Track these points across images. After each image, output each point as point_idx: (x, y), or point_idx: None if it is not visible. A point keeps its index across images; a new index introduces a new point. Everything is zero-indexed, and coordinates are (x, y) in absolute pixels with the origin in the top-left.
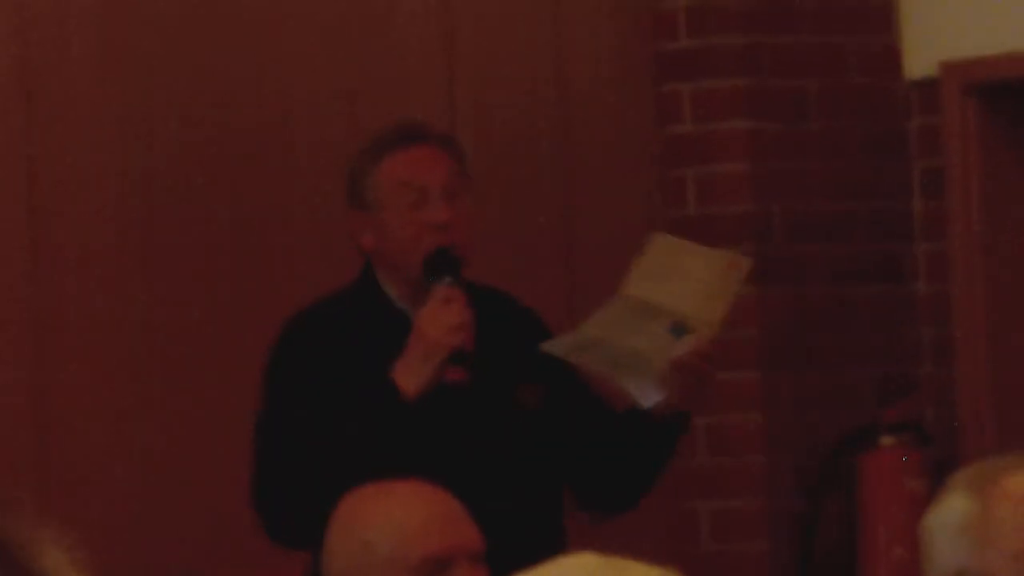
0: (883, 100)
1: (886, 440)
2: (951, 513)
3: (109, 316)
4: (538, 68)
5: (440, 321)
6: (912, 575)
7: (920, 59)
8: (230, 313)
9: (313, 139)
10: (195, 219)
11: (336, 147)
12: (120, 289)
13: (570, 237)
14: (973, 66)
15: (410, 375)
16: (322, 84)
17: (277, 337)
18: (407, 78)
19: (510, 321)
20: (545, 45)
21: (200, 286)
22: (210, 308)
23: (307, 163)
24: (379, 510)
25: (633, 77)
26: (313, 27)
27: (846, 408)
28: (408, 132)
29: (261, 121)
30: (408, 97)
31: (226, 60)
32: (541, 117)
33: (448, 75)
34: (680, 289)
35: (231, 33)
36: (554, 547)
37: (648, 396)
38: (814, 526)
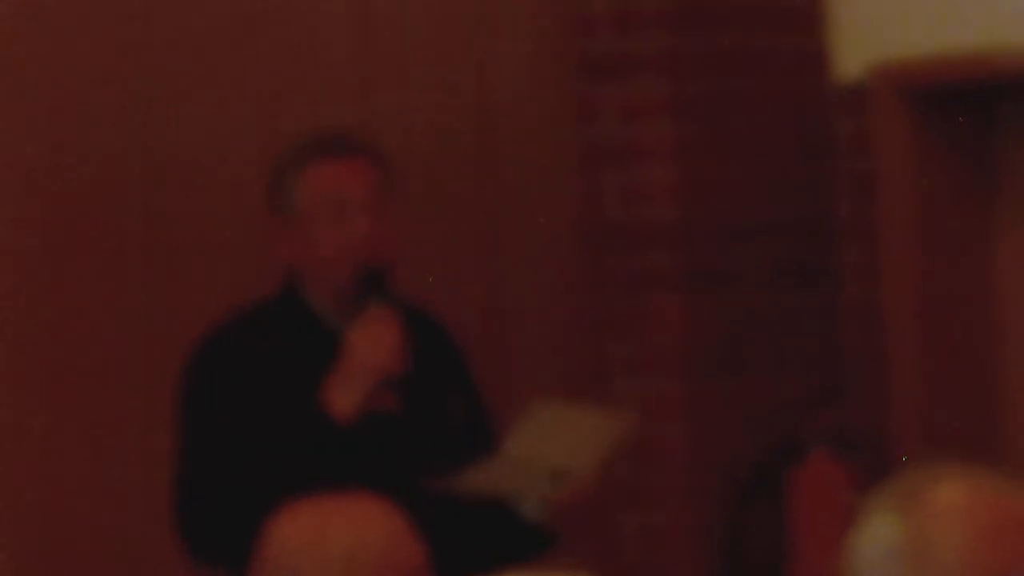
0: (811, 103)
1: (814, 450)
2: (879, 539)
3: (16, 322)
4: (458, 71)
5: (372, 342)
6: None
7: (849, 61)
8: (141, 320)
9: (229, 143)
10: (106, 225)
11: (252, 151)
12: (28, 295)
13: (493, 242)
14: (903, 68)
15: (342, 396)
16: (238, 87)
17: (195, 352)
18: (324, 81)
19: (433, 339)
20: (466, 47)
21: (111, 293)
22: (121, 314)
23: (222, 168)
24: (308, 532)
25: (556, 79)
26: (229, 28)
27: (773, 417)
28: (333, 143)
29: (175, 124)
30: (325, 100)
31: (140, 60)
32: (462, 120)
33: (366, 77)
34: (557, 447)
35: (145, 31)
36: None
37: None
38: (741, 539)
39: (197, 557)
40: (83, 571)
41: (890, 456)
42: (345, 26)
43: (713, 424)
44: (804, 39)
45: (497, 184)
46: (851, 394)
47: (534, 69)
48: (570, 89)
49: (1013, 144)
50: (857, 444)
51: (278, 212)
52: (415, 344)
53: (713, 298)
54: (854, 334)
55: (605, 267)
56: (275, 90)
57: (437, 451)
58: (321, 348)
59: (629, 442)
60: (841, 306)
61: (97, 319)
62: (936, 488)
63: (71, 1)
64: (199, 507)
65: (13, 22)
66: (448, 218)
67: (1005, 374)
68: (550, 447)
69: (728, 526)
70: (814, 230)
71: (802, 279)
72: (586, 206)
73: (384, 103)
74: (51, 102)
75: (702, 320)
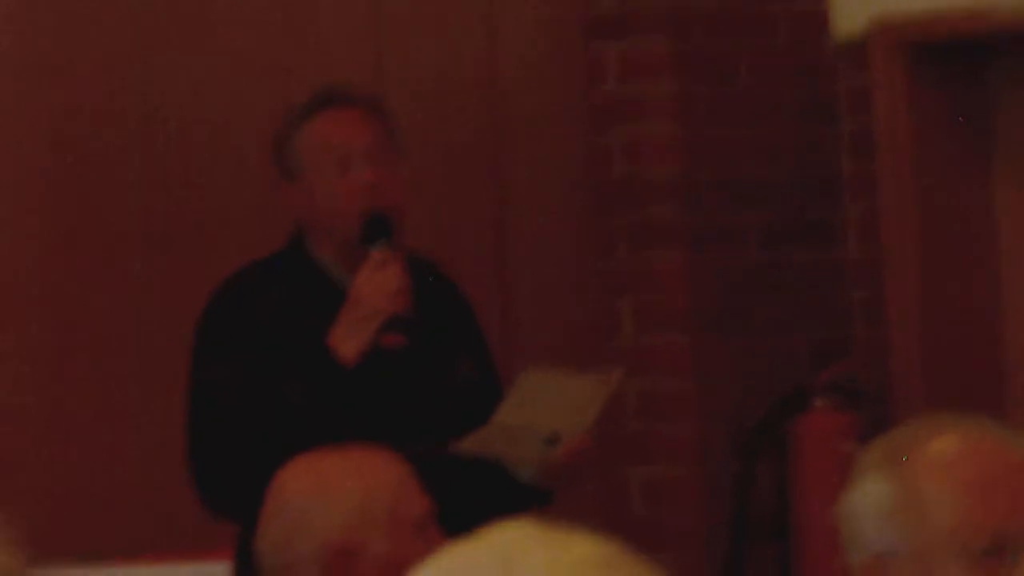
0: (812, 60)
1: (819, 403)
2: (872, 496)
3: (33, 299)
4: (468, 32)
5: (377, 285)
6: None
7: (848, 18)
8: (157, 292)
9: (242, 112)
10: (123, 198)
11: (265, 120)
12: (45, 269)
13: (501, 199)
14: (902, 25)
15: (347, 339)
16: (249, 56)
17: (207, 303)
18: (335, 48)
19: (442, 291)
20: (475, 9)
21: (128, 263)
22: (138, 285)
23: (236, 138)
24: (317, 481)
25: (563, 39)
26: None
27: (778, 372)
28: (331, 95)
29: (189, 94)
30: (335, 66)
31: (153, 36)
32: (471, 80)
33: (376, 40)
34: (548, 412)
35: (156, 10)
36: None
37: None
38: (747, 491)
39: (212, 508)
40: (103, 526)
41: (893, 408)
42: None
43: (719, 378)
44: None
45: (505, 142)
46: (854, 347)
47: (541, 29)
48: (577, 49)
49: (1009, 98)
50: (860, 396)
51: (283, 167)
52: (424, 292)
53: (717, 254)
54: (857, 288)
55: (611, 224)
56: (286, 59)
57: (440, 397)
58: (328, 301)
59: (616, 402)
60: (843, 261)
61: (114, 293)
62: (926, 443)
63: None
64: (212, 457)
65: (14, 12)
66: (457, 176)
67: (1004, 324)
68: (542, 412)
69: (734, 477)
70: (816, 186)
71: (805, 234)
72: (592, 163)
73: (395, 65)
74: (73, 78)
75: (707, 275)
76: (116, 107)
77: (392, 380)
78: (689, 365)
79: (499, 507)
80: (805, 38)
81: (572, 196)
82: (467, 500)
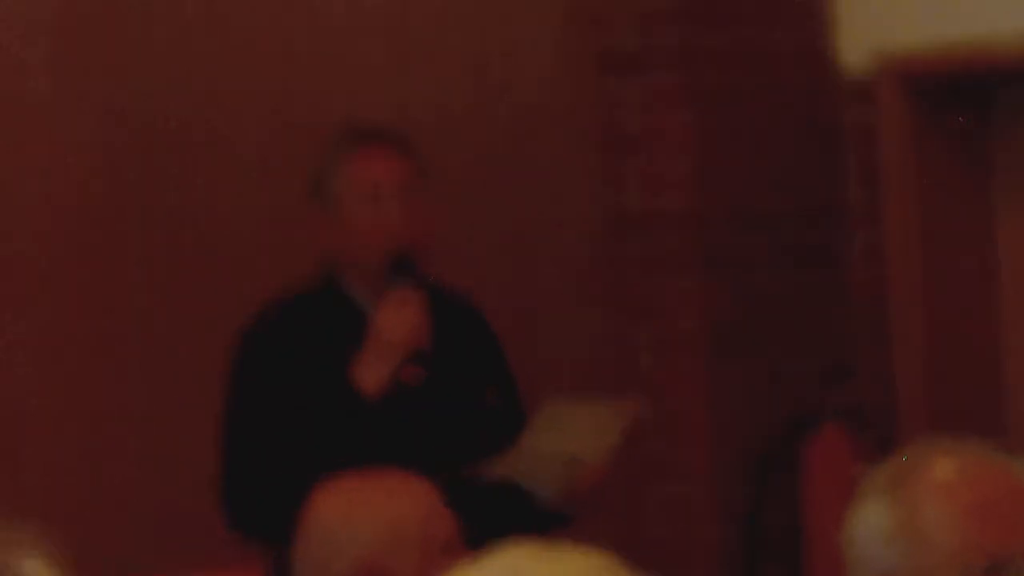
0: (819, 95)
1: (828, 426)
2: (874, 521)
3: (54, 311)
4: (487, 65)
5: (397, 322)
6: None
7: (854, 53)
8: (179, 307)
9: (261, 131)
10: (140, 215)
11: (287, 140)
12: (66, 284)
13: (518, 230)
14: (905, 60)
15: (368, 375)
16: (268, 78)
17: (243, 335)
18: (358, 74)
19: (467, 323)
20: (494, 42)
21: (148, 279)
22: (158, 301)
23: (253, 160)
24: (349, 504)
25: (579, 73)
26: (257, 17)
27: (789, 395)
28: (368, 134)
29: (209, 116)
30: (359, 93)
31: (166, 57)
32: (489, 111)
33: (396, 70)
34: (569, 439)
35: (170, 29)
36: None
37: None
38: (758, 512)
39: (241, 532)
40: (130, 546)
41: (897, 431)
42: (379, 21)
43: (731, 401)
44: (811, 34)
45: (523, 172)
46: (861, 372)
47: (559, 63)
48: (592, 82)
49: (1011, 132)
50: (865, 419)
51: (319, 201)
52: (448, 324)
53: (728, 281)
54: (862, 314)
55: (626, 252)
56: (311, 82)
57: (462, 428)
58: (357, 331)
59: (634, 429)
60: (850, 288)
61: (137, 307)
62: (926, 468)
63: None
64: (243, 483)
65: (57, 21)
66: (475, 206)
67: (1006, 350)
68: (564, 439)
69: (746, 499)
70: (823, 216)
71: (812, 262)
72: (607, 194)
73: (413, 94)
74: (89, 102)
75: (718, 302)
76: (144, 113)
77: (412, 414)
78: (702, 389)
79: (520, 528)
80: (812, 73)
81: (587, 226)
82: (490, 522)
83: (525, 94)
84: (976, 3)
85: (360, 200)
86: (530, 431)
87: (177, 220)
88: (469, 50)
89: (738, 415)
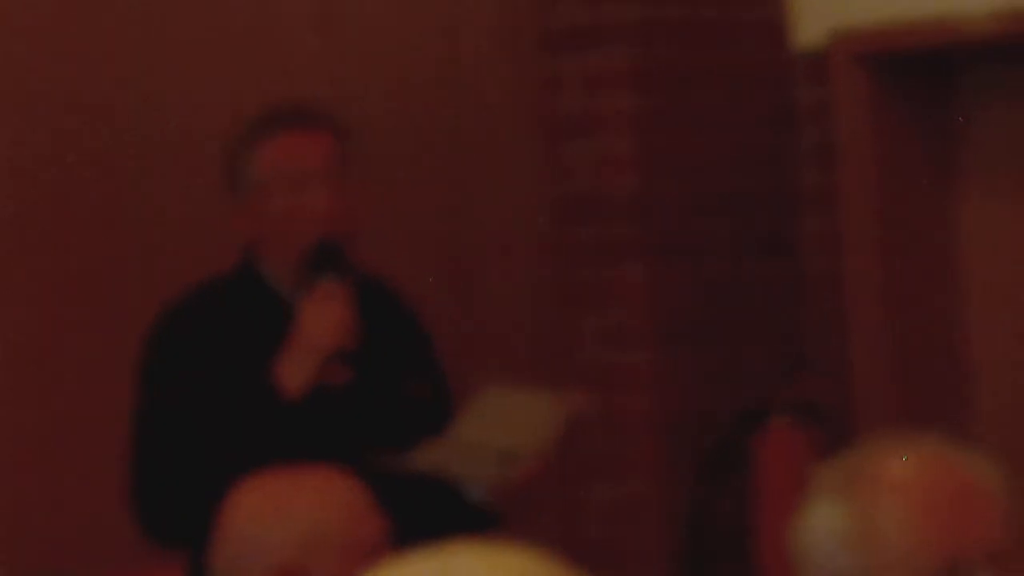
0: (772, 73)
1: (779, 420)
2: (827, 521)
3: (23, 295)
4: (425, 43)
5: (320, 320)
6: None
7: (809, 29)
8: (105, 305)
9: (193, 121)
10: (70, 205)
11: (217, 128)
12: (35, 266)
13: (460, 213)
14: (862, 36)
15: (291, 373)
16: (200, 61)
17: (153, 327)
18: (289, 52)
19: (388, 310)
20: (432, 20)
21: (76, 274)
22: (85, 300)
23: (185, 146)
24: (270, 504)
25: (521, 51)
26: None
27: (740, 388)
28: (288, 114)
29: (138, 102)
30: (290, 71)
31: (107, 43)
32: (428, 92)
33: (333, 49)
34: (504, 430)
35: (111, 15)
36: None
37: (475, 493)
38: (706, 510)
39: (154, 537)
40: (45, 552)
41: (853, 425)
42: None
43: (679, 394)
44: (764, 8)
45: (464, 156)
46: (815, 363)
47: (499, 41)
48: (535, 60)
49: (971, 112)
50: (820, 413)
51: (235, 187)
52: (370, 315)
53: (677, 269)
54: (818, 304)
55: (571, 238)
56: (238, 63)
57: (388, 425)
58: (277, 321)
59: (575, 422)
60: (804, 275)
61: (63, 305)
62: (880, 466)
63: None
64: (153, 484)
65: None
66: (414, 189)
67: (967, 340)
68: (497, 430)
69: (693, 496)
70: (776, 199)
71: (765, 248)
72: (551, 177)
73: (350, 76)
74: (24, 88)
75: (668, 290)
76: (104, 102)
77: (337, 416)
78: (650, 381)
79: (449, 526)
80: (765, 50)
81: (532, 211)
82: (418, 519)
83: (466, 73)
84: None
85: (282, 186)
86: (461, 419)
87: (123, 215)
88: (405, 27)
89: (686, 409)
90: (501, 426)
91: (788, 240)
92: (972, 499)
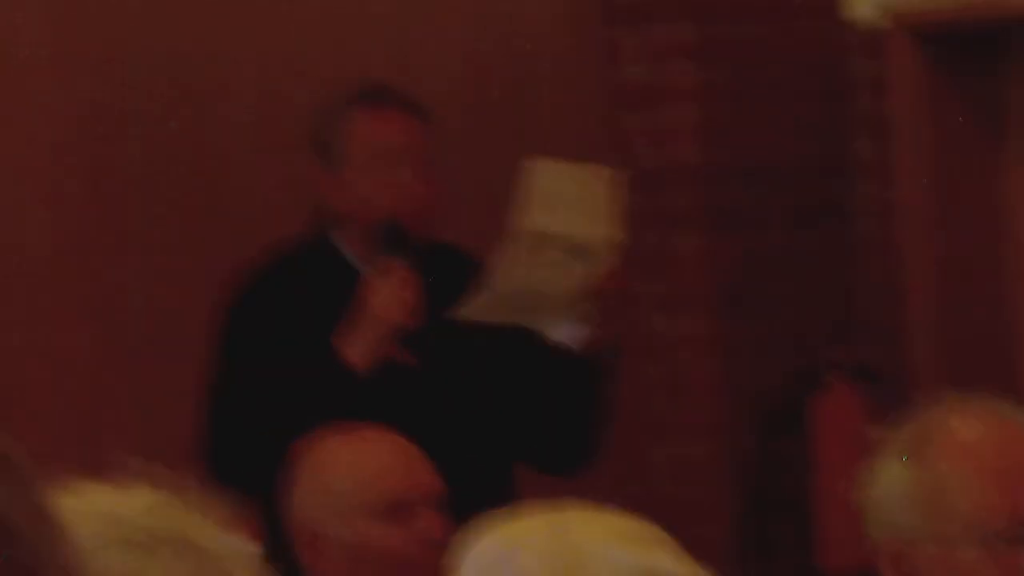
0: (829, 46)
1: (836, 382)
2: (894, 481)
3: (51, 277)
4: (490, 19)
5: (386, 299)
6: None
7: (865, 3)
8: (177, 267)
9: (265, 105)
10: (138, 174)
11: (284, 100)
12: (62, 251)
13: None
14: (916, 11)
15: (355, 345)
16: (277, 36)
17: (231, 293)
18: (357, 39)
19: (463, 280)
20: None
21: (146, 239)
22: (157, 263)
23: (254, 118)
24: (341, 455)
25: (584, 26)
26: None
27: (798, 351)
28: (379, 93)
29: (209, 72)
30: (357, 58)
31: (166, 21)
32: (493, 67)
33: (396, 23)
34: (567, 214)
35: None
36: (507, 497)
37: (569, 334)
38: (767, 468)
39: (223, 484)
40: None
41: (907, 386)
42: None
43: (738, 359)
44: None
45: (527, 130)
46: (869, 327)
47: (562, 13)
48: (596, 33)
49: (1021, 84)
50: (874, 375)
51: (323, 157)
52: (450, 284)
53: (738, 235)
54: (873, 271)
55: (633, 208)
56: (308, 38)
57: (458, 405)
58: (350, 288)
59: (641, 380)
60: (860, 243)
61: (134, 272)
62: (948, 429)
63: None
64: (227, 446)
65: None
66: (479, 162)
67: (1016, 304)
68: (560, 217)
69: (754, 455)
70: (832, 169)
71: (822, 217)
72: (613, 148)
73: (415, 49)
74: (89, 63)
75: (727, 258)
76: (138, 101)
77: (402, 394)
78: (708, 346)
79: (544, 378)
80: (822, 23)
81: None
82: (513, 379)
83: (527, 47)
84: None
85: (369, 162)
86: (527, 210)
87: (181, 184)
88: (480, 4)
89: (745, 373)
90: (560, 213)
91: (844, 208)
92: None
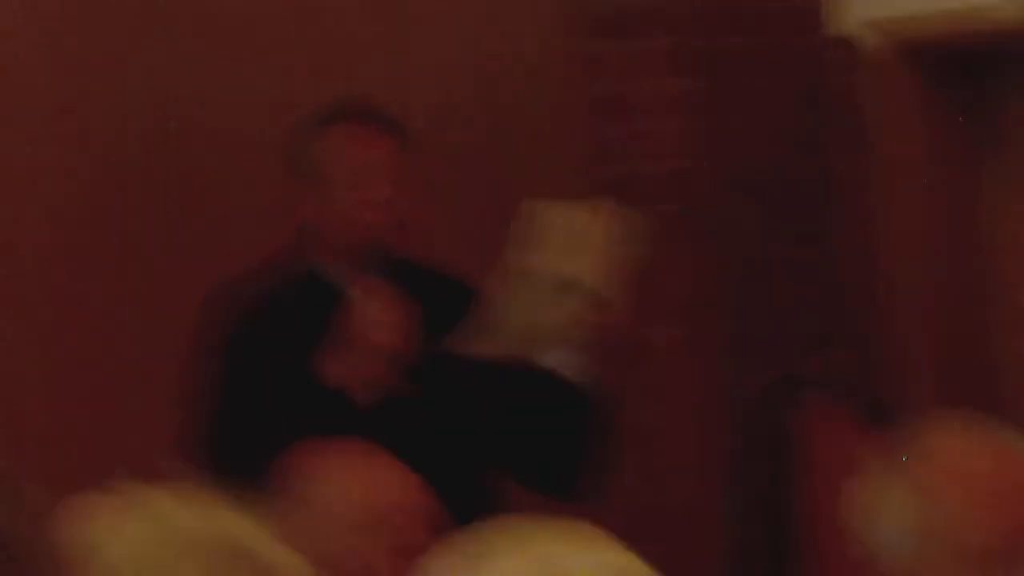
0: (809, 59)
1: (817, 393)
2: (885, 507)
3: (40, 292)
4: (469, 31)
5: (367, 317)
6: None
7: (845, 16)
8: (158, 286)
9: (253, 116)
10: (130, 191)
11: (275, 128)
12: (50, 267)
13: (502, 197)
14: (899, 25)
15: (337, 367)
16: (262, 60)
17: (209, 313)
18: (343, 48)
19: (446, 302)
20: (478, 9)
21: (146, 240)
22: (140, 280)
23: (240, 145)
24: (326, 470)
25: (568, 37)
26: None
27: (779, 361)
28: (356, 110)
29: (198, 93)
30: (342, 66)
31: (164, 32)
32: (472, 80)
33: (385, 44)
34: (565, 254)
35: (170, 11)
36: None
37: (563, 362)
38: (747, 478)
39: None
40: None
41: (887, 399)
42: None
43: (718, 368)
44: None
45: (506, 142)
46: (851, 338)
47: (549, 29)
48: (582, 46)
49: (1008, 100)
50: (853, 386)
51: (299, 174)
52: (440, 307)
53: (715, 246)
54: (847, 283)
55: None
56: (294, 61)
57: (459, 432)
58: (327, 304)
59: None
60: (841, 254)
61: (119, 288)
62: (941, 452)
63: None
64: (215, 459)
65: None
66: (458, 175)
67: (1000, 318)
68: (568, 258)
69: (734, 465)
70: (812, 181)
71: (803, 229)
72: (593, 159)
73: (404, 66)
74: (86, 76)
75: (705, 267)
76: (134, 105)
77: (404, 426)
78: (690, 355)
79: (547, 410)
80: (803, 35)
81: (573, 192)
82: (516, 411)
83: (508, 59)
84: None
85: (346, 179)
86: (536, 251)
87: (179, 207)
88: (464, 18)
89: (727, 382)
90: (561, 253)
91: (824, 220)
92: None
